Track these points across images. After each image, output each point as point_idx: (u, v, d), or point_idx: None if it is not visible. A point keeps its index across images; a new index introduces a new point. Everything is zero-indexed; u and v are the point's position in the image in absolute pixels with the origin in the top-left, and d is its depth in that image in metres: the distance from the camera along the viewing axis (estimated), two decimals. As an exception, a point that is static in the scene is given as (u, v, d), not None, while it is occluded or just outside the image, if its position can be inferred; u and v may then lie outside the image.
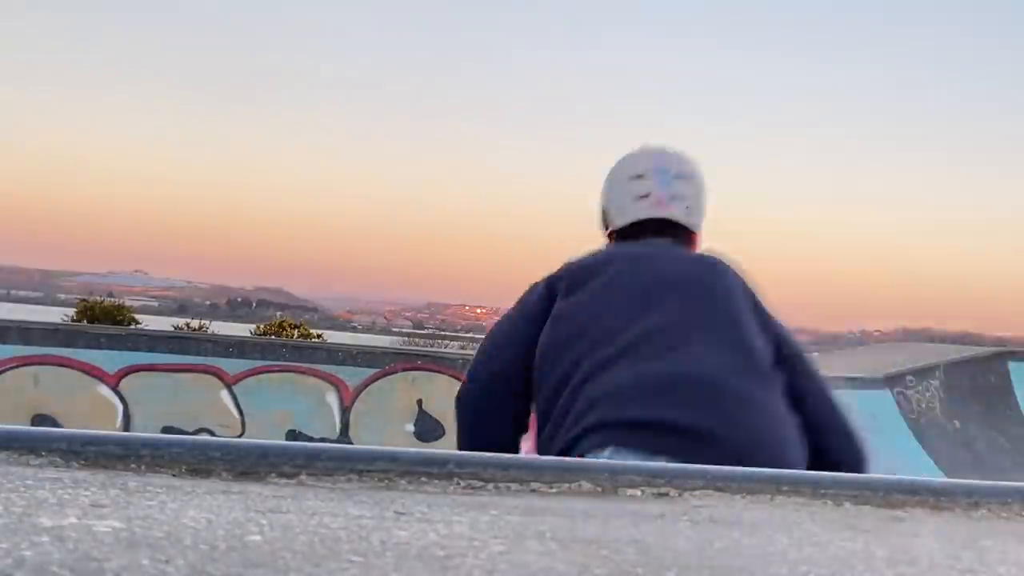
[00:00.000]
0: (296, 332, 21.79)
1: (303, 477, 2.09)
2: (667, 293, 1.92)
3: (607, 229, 2.21)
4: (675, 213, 2.10)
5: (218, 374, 8.12)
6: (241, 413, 8.03)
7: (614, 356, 1.82)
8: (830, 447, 1.92)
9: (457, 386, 2.15)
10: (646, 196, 2.10)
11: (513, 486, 2.23)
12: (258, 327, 22.98)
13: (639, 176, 2.12)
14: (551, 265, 2.15)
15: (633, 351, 1.82)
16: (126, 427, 7.86)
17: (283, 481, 2.05)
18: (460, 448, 2.02)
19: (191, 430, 7.87)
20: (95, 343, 8.19)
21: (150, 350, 8.21)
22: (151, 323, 19.77)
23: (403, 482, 2.13)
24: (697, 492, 2.26)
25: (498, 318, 2.18)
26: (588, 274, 1.99)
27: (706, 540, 1.74)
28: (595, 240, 2.28)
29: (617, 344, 1.84)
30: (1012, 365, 12.28)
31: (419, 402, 7.95)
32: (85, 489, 1.77)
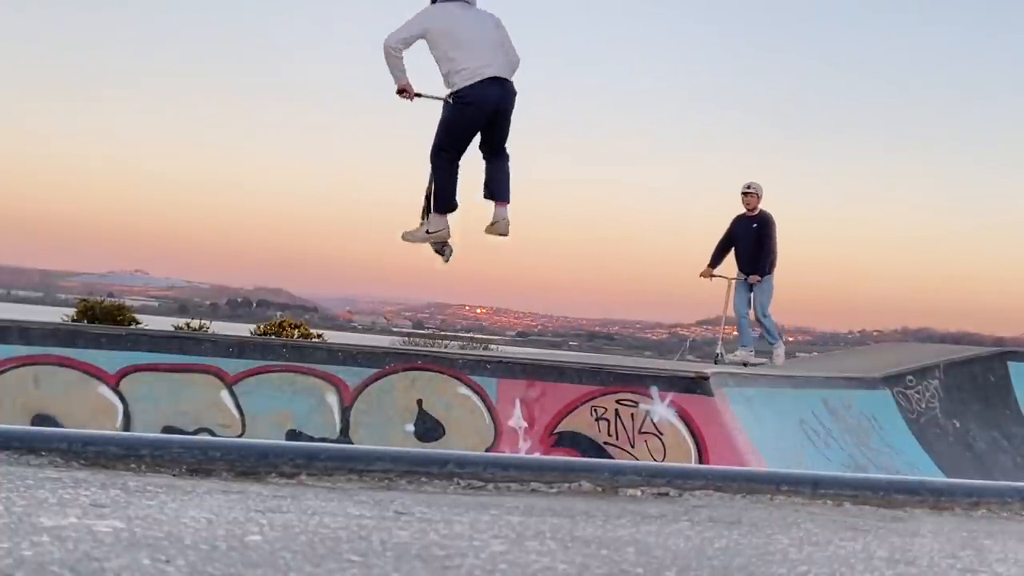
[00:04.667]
0: (296, 332, 21.80)
1: (303, 477, 2.09)
2: None
3: None
4: None
5: (218, 374, 8.11)
6: (241, 413, 8.03)
7: None
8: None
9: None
10: None
11: (513, 486, 2.23)
12: (258, 327, 22.99)
13: None
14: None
15: None
16: (126, 427, 7.85)
17: (283, 481, 2.05)
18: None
19: (191, 430, 7.86)
20: (95, 343, 8.18)
21: (150, 350, 8.21)
22: (151, 323, 19.77)
23: (403, 482, 2.14)
24: (697, 492, 2.27)
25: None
26: None
27: (706, 540, 1.74)
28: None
29: None
30: (1012, 365, 12.28)
31: (419, 402, 7.93)
32: (85, 489, 1.77)
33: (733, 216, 11.16)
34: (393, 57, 7.32)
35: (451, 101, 7.28)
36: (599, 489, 2.20)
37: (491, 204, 7.57)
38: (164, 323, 21.58)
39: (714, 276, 11.19)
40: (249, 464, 2.08)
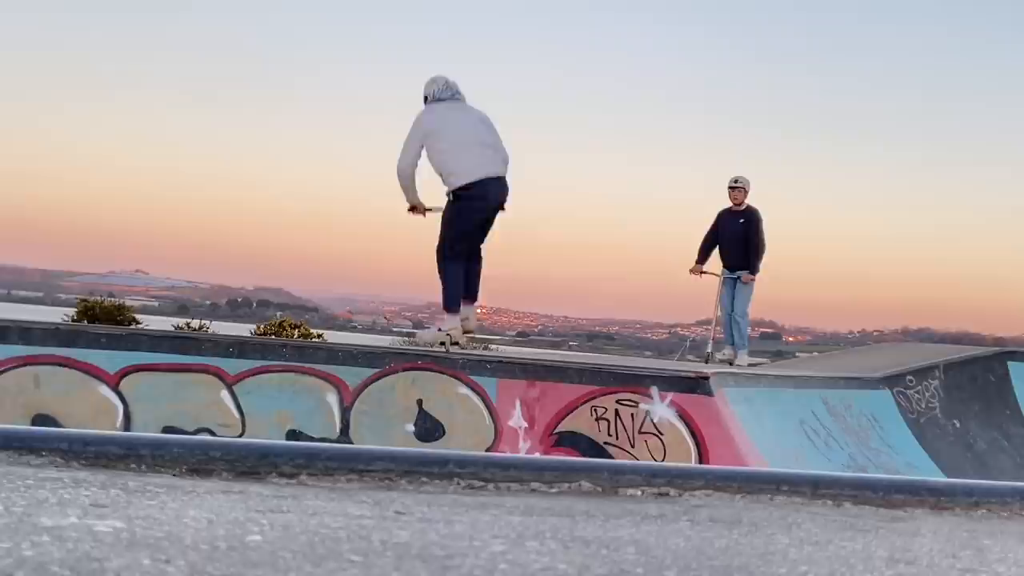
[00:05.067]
0: (296, 332, 21.81)
1: (303, 477, 2.09)
2: None
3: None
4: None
5: (218, 374, 8.11)
6: (241, 413, 8.03)
7: None
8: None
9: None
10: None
11: (513, 486, 2.23)
12: (258, 327, 23.01)
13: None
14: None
15: None
16: (126, 427, 7.85)
17: (283, 481, 2.05)
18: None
19: (191, 430, 7.86)
20: (95, 343, 8.18)
21: (150, 350, 8.20)
22: (151, 323, 19.77)
23: (403, 482, 2.14)
24: (697, 492, 2.26)
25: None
26: None
27: (706, 540, 1.74)
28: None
29: None
30: (1012, 365, 12.28)
31: (419, 402, 7.92)
32: (85, 489, 1.77)
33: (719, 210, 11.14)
34: (408, 179, 7.64)
35: (451, 199, 7.49)
36: (599, 489, 2.20)
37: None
38: (164, 323, 21.58)
39: (704, 273, 11.21)
40: (249, 464, 2.08)
